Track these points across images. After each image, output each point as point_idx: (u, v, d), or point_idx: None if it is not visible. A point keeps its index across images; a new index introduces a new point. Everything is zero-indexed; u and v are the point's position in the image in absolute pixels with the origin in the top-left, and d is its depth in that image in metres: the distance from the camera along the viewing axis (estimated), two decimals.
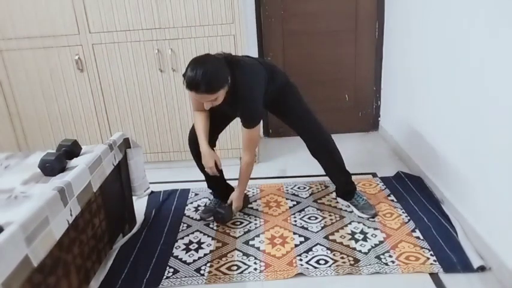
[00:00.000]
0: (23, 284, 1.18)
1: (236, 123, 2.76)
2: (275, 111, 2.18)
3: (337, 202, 2.33)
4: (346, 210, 2.24)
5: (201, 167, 2.21)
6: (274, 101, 2.08)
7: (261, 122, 2.02)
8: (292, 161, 2.97)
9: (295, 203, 2.37)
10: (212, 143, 2.16)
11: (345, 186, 2.25)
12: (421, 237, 1.96)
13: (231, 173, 2.35)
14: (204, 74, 1.68)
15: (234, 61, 1.86)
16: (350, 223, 2.13)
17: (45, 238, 1.29)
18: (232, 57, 1.90)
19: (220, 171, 2.29)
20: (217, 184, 2.33)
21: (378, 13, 3.18)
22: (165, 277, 1.82)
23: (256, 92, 1.91)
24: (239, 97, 1.86)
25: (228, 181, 2.37)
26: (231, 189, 2.39)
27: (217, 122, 2.13)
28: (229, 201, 2.21)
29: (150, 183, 2.39)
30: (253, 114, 1.94)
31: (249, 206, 2.37)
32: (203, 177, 2.70)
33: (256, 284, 1.75)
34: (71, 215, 1.47)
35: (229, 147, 2.87)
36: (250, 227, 2.17)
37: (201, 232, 2.15)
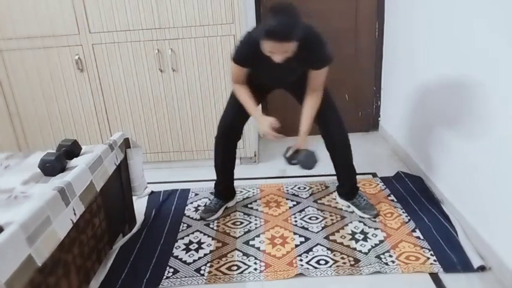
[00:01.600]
0: (24, 284, 1.18)
1: None
2: (301, 90, 2.07)
3: (337, 202, 2.33)
4: (346, 211, 2.24)
5: (221, 161, 2.23)
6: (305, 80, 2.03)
7: None
8: None
9: (295, 203, 2.37)
10: (241, 129, 2.20)
11: (350, 185, 2.25)
12: (421, 237, 1.96)
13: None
14: (288, 23, 1.64)
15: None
16: (350, 223, 2.13)
17: (48, 238, 1.29)
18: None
19: (233, 171, 2.31)
20: (226, 185, 2.34)
21: (378, 13, 3.18)
22: (165, 277, 1.82)
23: (325, 40, 1.88)
24: (311, 44, 1.83)
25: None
26: (234, 191, 2.39)
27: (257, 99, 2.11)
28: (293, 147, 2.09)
29: (150, 183, 2.39)
30: (329, 51, 1.90)
31: (249, 206, 2.37)
32: (203, 177, 2.71)
33: (256, 284, 1.75)
34: (75, 214, 1.47)
35: None
36: (250, 227, 2.17)
37: (201, 232, 2.15)
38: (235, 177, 2.36)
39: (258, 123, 2.06)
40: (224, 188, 2.34)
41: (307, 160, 2.03)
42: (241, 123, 2.21)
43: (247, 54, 1.92)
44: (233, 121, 2.17)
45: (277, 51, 1.73)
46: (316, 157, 2.05)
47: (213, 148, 2.25)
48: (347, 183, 2.27)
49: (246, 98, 2.05)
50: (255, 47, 1.77)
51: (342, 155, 2.18)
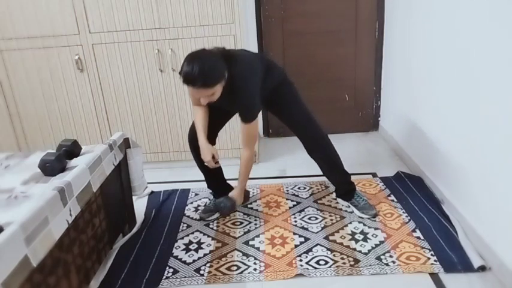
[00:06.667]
0: (23, 284, 1.18)
1: (236, 123, 2.77)
2: (272, 109, 2.18)
3: (337, 202, 2.33)
4: (346, 211, 2.24)
5: (200, 164, 2.22)
6: (270, 99, 2.08)
7: (259, 118, 2.00)
8: (292, 161, 2.96)
9: (295, 203, 2.37)
10: (211, 140, 2.16)
11: (344, 186, 2.25)
12: (422, 237, 1.96)
13: (231, 172, 2.34)
14: (200, 68, 1.68)
15: (230, 56, 1.86)
16: (350, 223, 2.13)
17: (45, 238, 1.29)
18: (228, 51, 1.89)
19: (220, 170, 2.30)
20: (217, 183, 2.34)
21: (378, 13, 3.18)
22: (164, 277, 1.82)
23: (252, 86, 1.90)
24: (236, 92, 1.86)
25: (228, 181, 2.37)
26: (231, 188, 2.39)
27: (216, 118, 2.13)
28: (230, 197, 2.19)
29: (150, 183, 2.39)
30: (250, 108, 1.94)
31: (249, 206, 2.37)
32: (203, 177, 2.71)
33: (255, 285, 1.75)
34: (71, 215, 1.47)
35: (229, 147, 2.87)
36: (250, 227, 2.17)
37: (201, 232, 2.15)
38: (235, 177, 2.35)
39: (201, 149, 2.07)
40: (216, 186, 2.34)
41: (222, 205, 2.16)
42: (214, 129, 2.18)
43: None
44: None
45: (199, 96, 1.77)
46: (230, 207, 2.16)
47: None
48: (340, 186, 2.27)
49: (198, 122, 2.07)
50: None
51: (323, 160, 2.18)
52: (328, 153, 2.16)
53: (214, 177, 2.31)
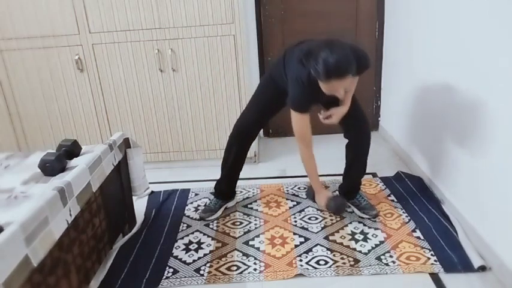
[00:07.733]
0: (23, 284, 1.18)
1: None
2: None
3: None
4: (346, 211, 2.24)
5: (232, 161, 2.22)
6: None
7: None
8: (292, 161, 2.96)
9: (295, 203, 2.37)
10: (258, 132, 2.22)
11: (354, 185, 2.25)
12: (422, 237, 1.96)
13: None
14: (348, 54, 1.64)
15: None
16: (350, 223, 2.13)
17: (45, 238, 1.29)
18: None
19: (239, 172, 2.31)
20: (229, 182, 2.33)
21: (378, 13, 3.18)
22: (164, 277, 1.82)
23: None
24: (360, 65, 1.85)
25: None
26: (234, 191, 2.38)
27: (274, 109, 2.16)
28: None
29: (150, 183, 2.39)
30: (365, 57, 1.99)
31: (249, 206, 2.37)
32: (203, 177, 2.71)
33: (255, 285, 1.75)
34: (71, 215, 1.47)
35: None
36: (250, 227, 2.17)
37: (201, 232, 2.15)
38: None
39: (317, 194, 2.14)
40: (226, 187, 2.33)
41: (337, 208, 2.14)
42: (260, 126, 2.23)
43: (310, 99, 1.90)
44: (253, 123, 2.17)
45: (340, 87, 1.73)
46: (345, 204, 2.16)
47: (225, 146, 2.24)
48: (350, 184, 2.26)
49: (313, 168, 2.09)
50: (313, 88, 1.78)
51: (358, 154, 2.18)
52: (366, 150, 2.16)
53: (232, 178, 2.31)
